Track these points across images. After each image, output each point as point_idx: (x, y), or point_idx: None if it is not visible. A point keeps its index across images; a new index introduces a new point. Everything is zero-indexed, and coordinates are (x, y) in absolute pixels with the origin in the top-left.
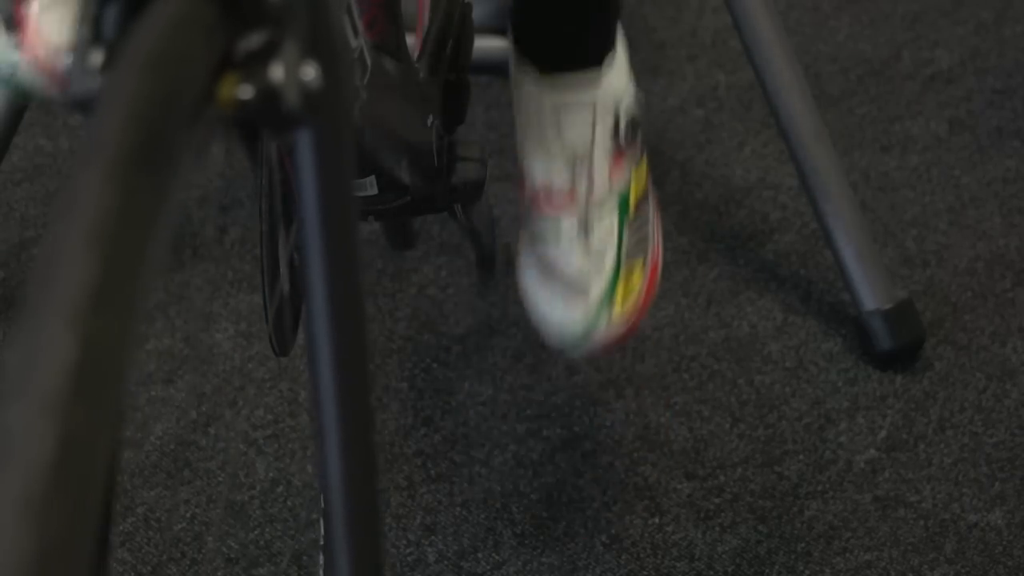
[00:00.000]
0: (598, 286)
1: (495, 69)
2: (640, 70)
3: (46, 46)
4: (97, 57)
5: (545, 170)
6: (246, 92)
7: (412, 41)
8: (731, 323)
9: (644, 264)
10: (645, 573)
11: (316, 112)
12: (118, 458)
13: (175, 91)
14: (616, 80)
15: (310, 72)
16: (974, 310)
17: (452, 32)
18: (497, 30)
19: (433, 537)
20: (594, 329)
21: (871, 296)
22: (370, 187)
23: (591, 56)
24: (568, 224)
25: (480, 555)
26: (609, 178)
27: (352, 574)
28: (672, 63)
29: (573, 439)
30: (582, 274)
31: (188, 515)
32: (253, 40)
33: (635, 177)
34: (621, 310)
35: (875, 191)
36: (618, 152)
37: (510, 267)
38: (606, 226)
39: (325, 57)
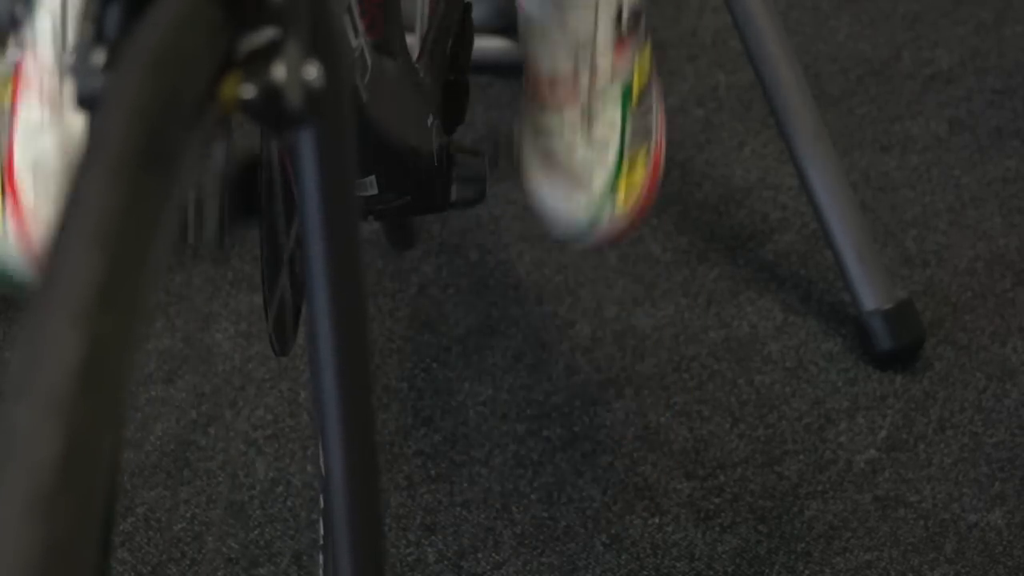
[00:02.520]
0: (601, 177)
1: (495, 69)
2: None
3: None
4: (100, 56)
5: (548, 60)
6: (248, 91)
7: (412, 41)
8: (731, 323)
9: (647, 154)
10: (645, 573)
11: (318, 111)
12: (119, 458)
13: (178, 90)
14: None
15: (312, 71)
16: (974, 310)
17: (452, 32)
18: (497, 30)
19: (433, 537)
20: (598, 220)
21: (871, 296)
22: (370, 187)
23: None
24: (571, 115)
25: (480, 555)
26: (612, 66)
27: (353, 574)
28: (672, 63)
29: (573, 439)
30: (585, 165)
31: (188, 515)
32: (255, 39)
33: (638, 66)
34: (624, 201)
35: (875, 191)
36: (621, 40)
37: (511, 159)
38: (609, 116)
39: (327, 56)
